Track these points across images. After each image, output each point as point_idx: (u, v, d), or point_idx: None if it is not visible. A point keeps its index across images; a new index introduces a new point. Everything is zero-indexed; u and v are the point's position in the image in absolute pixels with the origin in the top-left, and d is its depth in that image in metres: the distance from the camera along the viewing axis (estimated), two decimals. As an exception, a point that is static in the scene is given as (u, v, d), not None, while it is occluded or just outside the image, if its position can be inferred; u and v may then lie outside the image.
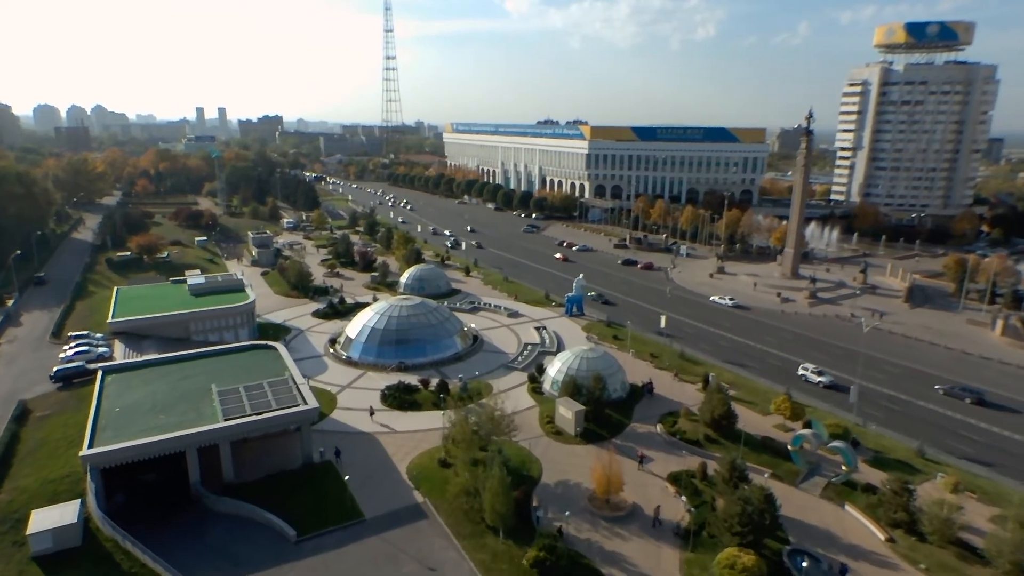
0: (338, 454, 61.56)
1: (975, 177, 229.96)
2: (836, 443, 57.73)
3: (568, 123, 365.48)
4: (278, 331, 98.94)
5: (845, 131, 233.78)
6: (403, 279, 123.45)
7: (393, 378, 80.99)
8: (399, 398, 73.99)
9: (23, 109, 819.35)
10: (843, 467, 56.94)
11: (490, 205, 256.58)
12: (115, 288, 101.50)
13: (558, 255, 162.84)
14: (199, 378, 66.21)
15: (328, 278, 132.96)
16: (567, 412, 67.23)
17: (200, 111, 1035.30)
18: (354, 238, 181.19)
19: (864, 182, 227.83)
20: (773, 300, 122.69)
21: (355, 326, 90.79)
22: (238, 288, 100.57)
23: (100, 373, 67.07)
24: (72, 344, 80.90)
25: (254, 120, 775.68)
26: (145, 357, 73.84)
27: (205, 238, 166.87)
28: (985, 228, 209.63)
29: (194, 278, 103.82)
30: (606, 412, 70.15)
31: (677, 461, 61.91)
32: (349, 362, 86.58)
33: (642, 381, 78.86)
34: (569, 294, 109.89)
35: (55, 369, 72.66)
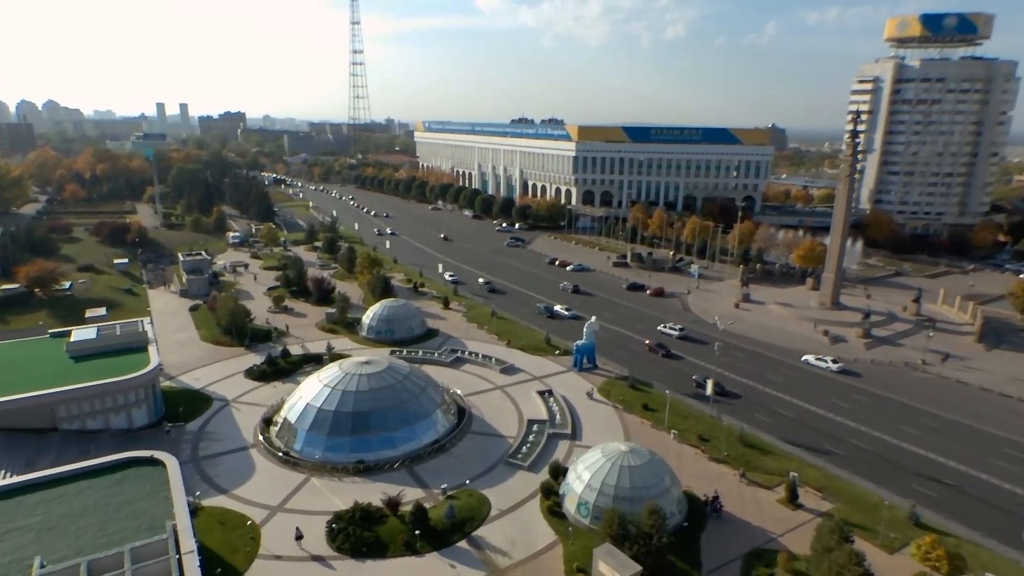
0: None
1: (992, 183, 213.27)
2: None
3: (543, 122, 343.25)
4: (194, 402, 73.63)
5: (852, 132, 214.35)
6: (366, 319, 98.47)
7: (347, 490, 56.73)
8: (355, 536, 49.51)
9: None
10: None
11: (467, 212, 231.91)
12: (-33, 348, 74.85)
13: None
14: (20, 537, 40.88)
15: (273, 314, 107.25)
16: (613, 574, 43.69)
17: (160, 107, 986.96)
18: (311, 256, 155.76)
19: (875, 188, 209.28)
20: (818, 339, 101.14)
21: (296, 405, 65.86)
22: (139, 346, 74.47)
23: None
24: None
25: (215, 116, 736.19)
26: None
27: (126, 260, 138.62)
28: (1002, 237, 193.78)
29: (82, 331, 77.29)
30: (668, 559, 46.83)
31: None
32: (287, 460, 61.72)
33: (704, 494, 55.71)
34: (579, 342, 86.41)
35: None
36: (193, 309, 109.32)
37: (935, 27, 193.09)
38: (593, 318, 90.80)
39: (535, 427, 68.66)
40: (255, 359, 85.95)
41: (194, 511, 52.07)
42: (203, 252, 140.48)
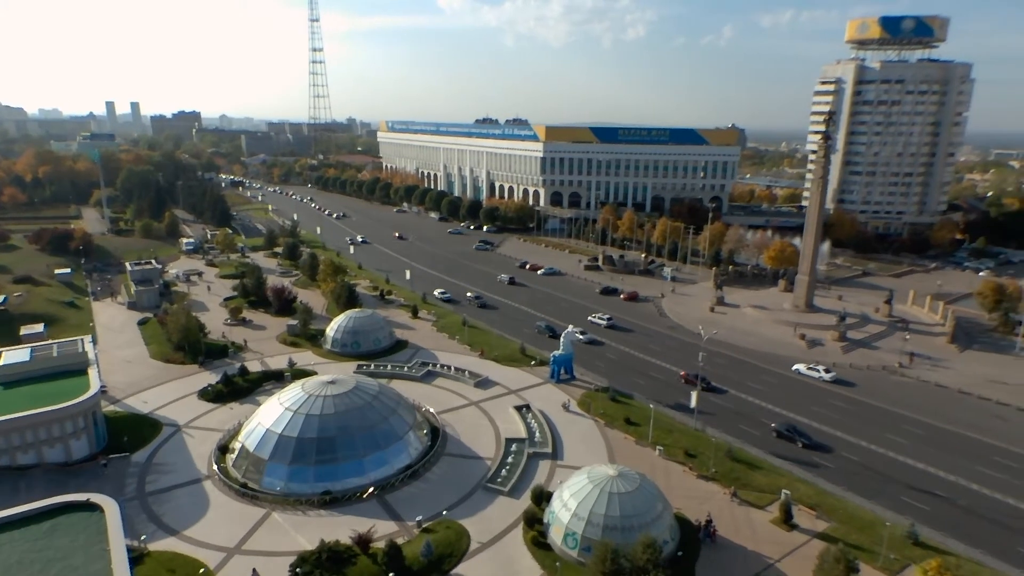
0: None
1: (949, 182, 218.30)
2: None
3: (508, 122, 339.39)
4: (141, 429, 67.58)
5: (817, 132, 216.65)
6: (331, 331, 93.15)
7: (312, 525, 51.97)
8: (321, 581, 44.93)
9: None
10: None
11: (434, 215, 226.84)
12: None
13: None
14: (-71, 609, 35.26)
15: (230, 327, 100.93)
16: (608, 618, 40.20)
17: (110, 106, 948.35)
18: (271, 263, 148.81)
19: (838, 188, 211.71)
20: (796, 343, 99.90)
21: (255, 430, 60.68)
22: (78, 368, 68.07)
23: None
24: None
25: (169, 116, 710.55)
26: None
27: (69, 270, 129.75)
28: (959, 236, 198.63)
29: (13, 353, 70.30)
30: (663, 597, 43.59)
31: None
32: (245, 493, 56.53)
33: (696, 518, 52.72)
34: (556, 352, 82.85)
35: None
36: (142, 323, 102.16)
37: (893, 29, 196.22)
38: (570, 326, 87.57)
39: (514, 446, 64.82)
40: (210, 378, 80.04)
41: (139, 558, 46.98)
42: (153, 260, 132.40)
